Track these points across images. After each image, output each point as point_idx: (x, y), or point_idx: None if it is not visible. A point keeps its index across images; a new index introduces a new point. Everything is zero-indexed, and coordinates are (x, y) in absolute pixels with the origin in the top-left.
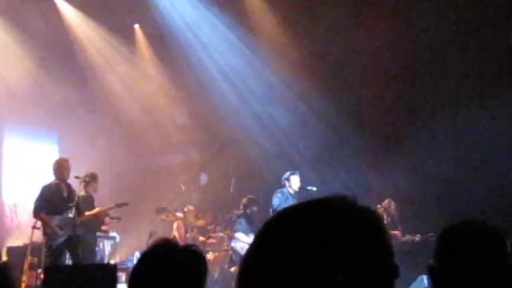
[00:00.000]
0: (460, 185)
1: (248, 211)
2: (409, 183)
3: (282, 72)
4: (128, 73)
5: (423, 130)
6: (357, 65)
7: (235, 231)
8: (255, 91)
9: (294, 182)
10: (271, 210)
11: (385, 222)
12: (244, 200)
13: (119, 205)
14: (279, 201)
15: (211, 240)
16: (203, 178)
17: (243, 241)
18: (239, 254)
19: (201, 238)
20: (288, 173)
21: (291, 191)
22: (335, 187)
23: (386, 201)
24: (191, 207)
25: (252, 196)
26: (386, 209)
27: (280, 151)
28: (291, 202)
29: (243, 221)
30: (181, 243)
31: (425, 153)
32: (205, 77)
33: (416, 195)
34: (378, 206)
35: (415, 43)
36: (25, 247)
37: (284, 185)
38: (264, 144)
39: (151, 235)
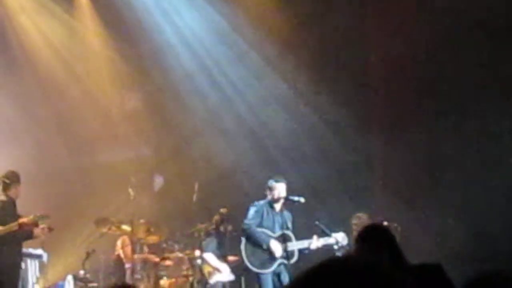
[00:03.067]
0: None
1: (221, 229)
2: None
3: (265, 49)
4: (66, 45)
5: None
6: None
7: (203, 250)
8: (229, 73)
9: (279, 190)
10: (242, 226)
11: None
12: (217, 217)
13: (38, 218)
14: (251, 216)
15: (167, 262)
16: (158, 181)
17: (213, 266)
18: (205, 281)
19: (154, 259)
20: (271, 180)
21: (275, 204)
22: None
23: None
24: (141, 220)
25: (225, 211)
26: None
27: (261, 149)
28: (270, 218)
29: (214, 241)
30: (127, 264)
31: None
32: (164, 52)
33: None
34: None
35: (431, 27)
36: None
37: (266, 195)
38: (239, 139)
39: (88, 254)
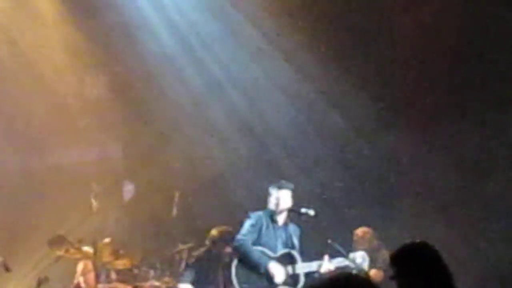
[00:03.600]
0: None
1: (215, 249)
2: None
3: (264, 25)
4: (8, 16)
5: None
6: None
7: (179, 280)
8: (218, 53)
9: (283, 200)
10: (234, 243)
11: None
12: (216, 233)
13: None
14: (246, 231)
15: None
16: (128, 190)
17: None
18: None
19: None
20: (273, 186)
21: (277, 215)
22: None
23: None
24: (107, 239)
25: (228, 229)
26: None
27: (258, 148)
28: (271, 233)
29: (199, 264)
30: None
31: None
32: (136, 25)
33: None
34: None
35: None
36: None
37: (267, 204)
38: (231, 136)
39: (40, 282)
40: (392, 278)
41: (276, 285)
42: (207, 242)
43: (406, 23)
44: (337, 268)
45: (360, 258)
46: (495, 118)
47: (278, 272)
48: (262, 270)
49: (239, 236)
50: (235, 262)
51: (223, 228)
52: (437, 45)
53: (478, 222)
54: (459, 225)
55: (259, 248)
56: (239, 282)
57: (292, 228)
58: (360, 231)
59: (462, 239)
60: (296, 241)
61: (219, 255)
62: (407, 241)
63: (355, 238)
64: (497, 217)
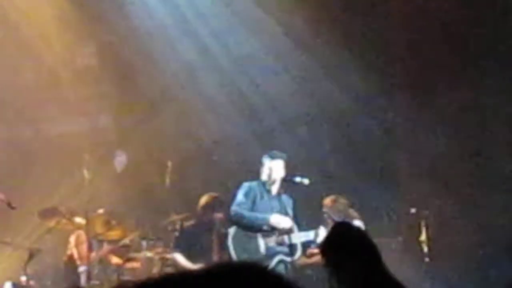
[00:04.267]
0: None
1: (205, 218)
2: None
3: None
4: None
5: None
6: None
7: (172, 249)
8: (210, 20)
9: (276, 170)
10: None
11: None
12: (204, 200)
13: None
14: (240, 200)
15: (133, 264)
16: (120, 160)
17: (181, 268)
18: None
19: (116, 261)
20: (266, 155)
21: (269, 185)
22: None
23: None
24: (100, 210)
25: (216, 195)
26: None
27: (252, 116)
28: (266, 203)
29: (190, 233)
30: (82, 267)
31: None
32: None
33: None
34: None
35: None
36: None
37: (259, 174)
38: (224, 104)
39: (32, 254)
40: (324, 266)
41: (276, 253)
42: (198, 211)
43: None
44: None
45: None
46: (492, 88)
47: (283, 220)
48: (266, 226)
49: (233, 206)
50: (231, 233)
51: (211, 195)
52: (432, 15)
53: (477, 195)
54: (458, 197)
55: (256, 214)
56: (237, 253)
57: (286, 199)
58: (328, 200)
59: (462, 212)
60: (290, 211)
61: (210, 223)
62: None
63: (324, 209)
64: (496, 190)
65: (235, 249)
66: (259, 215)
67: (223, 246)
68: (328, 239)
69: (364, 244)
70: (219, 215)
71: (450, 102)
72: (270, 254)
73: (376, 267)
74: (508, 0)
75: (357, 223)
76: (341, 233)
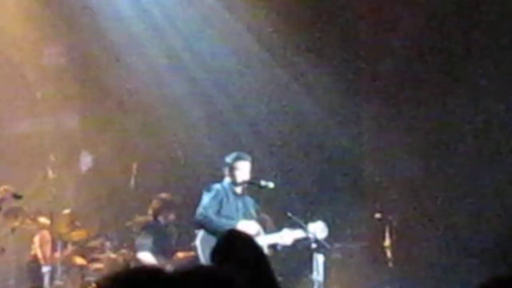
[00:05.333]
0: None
1: (160, 219)
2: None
3: None
4: None
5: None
6: None
7: (136, 249)
8: (176, 19)
9: (241, 171)
10: (195, 216)
11: None
12: (156, 203)
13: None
14: (207, 203)
15: (96, 265)
16: (86, 161)
17: None
18: None
19: (80, 261)
20: (231, 157)
21: (235, 187)
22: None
23: None
24: (64, 210)
25: (167, 197)
26: None
27: (219, 119)
28: (232, 205)
29: (150, 234)
30: (45, 267)
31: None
32: None
33: None
34: None
35: None
36: None
37: (224, 176)
38: (191, 106)
39: None
40: None
41: None
42: (151, 212)
43: None
44: (297, 241)
45: (319, 229)
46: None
47: (250, 227)
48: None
49: (200, 209)
50: (200, 235)
51: (164, 197)
52: (401, 17)
53: (442, 200)
54: (423, 203)
55: (222, 219)
56: (204, 254)
57: (249, 200)
58: None
59: (426, 218)
60: (253, 212)
61: (166, 224)
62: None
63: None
64: (460, 196)
65: (203, 251)
66: (226, 220)
67: (184, 242)
68: (217, 247)
69: (252, 251)
70: (171, 217)
71: (417, 110)
72: None
73: (263, 274)
74: (474, 11)
75: (320, 225)
76: (229, 242)
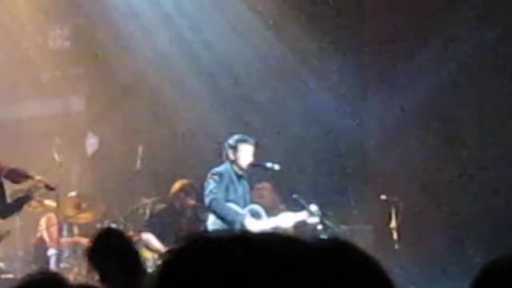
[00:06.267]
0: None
1: (178, 203)
2: None
3: None
4: None
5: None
6: None
7: (142, 230)
8: (183, 4)
9: (245, 153)
10: (205, 202)
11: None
12: (177, 186)
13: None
14: (215, 188)
15: None
16: (92, 143)
17: (151, 248)
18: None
19: (86, 243)
20: (234, 139)
21: (238, 169)
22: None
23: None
24: (70, 193)
25: (189, 181)
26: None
27: (225, 100)
28: (237, 189)
29: (162, 218)
30: (52, 249)
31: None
32: None
33: None
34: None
35: None
36: None
37: (227, 159)
38: (196, 88)
39: (1, 236)
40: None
41: None
42: (170, 196)
43: None
44: (298, 223)
45: (314, 209)
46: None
47: (256, 225)
48: (238, 226)
49: (210, 194)
50: (211, 219)
51: (185, 181)
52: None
53: (447, 182)
54: (428, 185)
55: (231, 205)
56: None
57: (245, 183)
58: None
59: (432, 199)
60: (247, 196)
61: (182, 209)
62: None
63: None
64: (465, 177)
65: None
66: (234, 206)
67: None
68: (93, 245)
69: (126, 249)
70: (191, 201)
71: (424, 87)
72: None
73: (135, 271)
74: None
75: (313, 207)
76: (104, 239)
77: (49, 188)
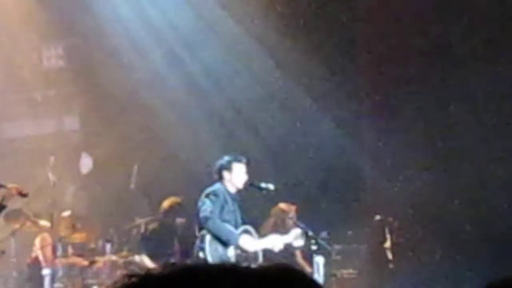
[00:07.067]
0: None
1: (168, 221)
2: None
3: None
4: None
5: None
6: None
7: (136, 252)
8: (175, 20)
9: (239, 173)
10: (198, 223)
11: None
12: (167, 204)
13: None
14: (210, 207)
15: (97, 267)
16: (85, 163)
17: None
18: None
19: (81, 263)
20: (227, 160)
21: (232, 189)
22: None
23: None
24: (65, 213)
25: (178, 200)
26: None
27: (219, 121)
28: (230, 209)
29: (153, 236)
30: (46, 269)
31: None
32: None
33: None
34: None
35: None
36: None
37: (220, 179)
38: (191, 108)
39: None
40: None
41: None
42: (159, 215)
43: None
44: (286, 244)
45: (295, 237)
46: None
47: (251, 245)
48: (233, 245)
49: (206, 213)
50: (208, 238)
51: (173, 199)
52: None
53: (441, 201)
54: (422, 204)
55: (226, 225)
56: (213, 259)
57: (237, 202)
58: (289, 206)
59: (426, 219)
60: (238, 214)
61: (172, 227)
62: None
63: (290, 215)
64: (459, 195)
65: (211, 254)
66: (228, 226)
67: (187, 251)
68: None
69: None
70: (180, 220)
71: (417, 111)
72: (240, 260)
73: None
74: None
75: (297, 232)
76: None
77: (21, 195)
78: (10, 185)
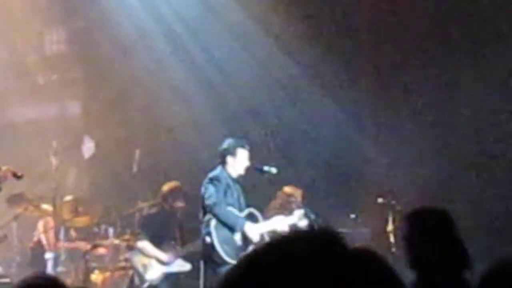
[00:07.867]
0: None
1: (167, 206)
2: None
3: None
4: None
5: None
6: None
7: (138, 238)
8: (179, 8)
9: (242, 158)
10: (203, 208)
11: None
12: (166, 189)
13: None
14: (215, 192)
15: (100, 251)
16: (88, 147)
17: (147, 255)
18: (141, 275)
19: (83, 247)
20: (231, 144)
21: (233, 174)
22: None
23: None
24: (67, 197)
25: (178, 184)
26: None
27: (221, 104)
28: (234, 193)
29: (154, 221)
30: (49, 253)
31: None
32: None
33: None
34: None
35: None
36: None
37: (222, 163)
38: (193, 91)
39: None
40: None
41: (250, 246)
42: (159, 199)
43: None
44: (293, 226)
45: (297, 217)
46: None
47: (254, 232)
48: (238, 231)
49: (211, 198)
50: (213, 223)
51: (173, 183)
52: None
53: (443, 183)
54: (425, 187)
55: (231, 209)
56: (221, 244)
57: (239, 186)
58: (295, 190)
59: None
60: (242, 199)
61: (171, 211)
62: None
63: (292, 198)
64: (461, 178)
65: (218, 239)
66: (232, 210)
67: (184, 235)
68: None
69: (450, 229)
70: (180, 204)
71: (419, 95)
72: (246, 245)
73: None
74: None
75: (300, 212)
76: (430, 213)
77: (16, 176)
78: (3, 167)
